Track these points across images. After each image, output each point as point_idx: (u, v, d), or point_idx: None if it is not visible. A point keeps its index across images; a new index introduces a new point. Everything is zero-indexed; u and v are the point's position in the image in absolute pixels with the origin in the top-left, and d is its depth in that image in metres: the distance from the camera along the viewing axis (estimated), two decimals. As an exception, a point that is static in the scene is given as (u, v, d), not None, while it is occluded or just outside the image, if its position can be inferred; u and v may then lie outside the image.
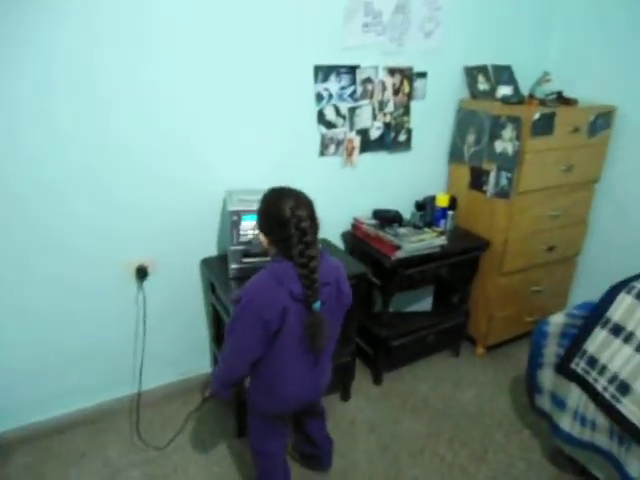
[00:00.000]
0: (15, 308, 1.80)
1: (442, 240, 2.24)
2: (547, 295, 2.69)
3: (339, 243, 2.46)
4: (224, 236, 2.06)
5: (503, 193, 2.33)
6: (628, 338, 1.55)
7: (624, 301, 1.61)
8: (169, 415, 2.15)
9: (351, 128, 2.24)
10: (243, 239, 1.84)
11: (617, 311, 1.61)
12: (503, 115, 2.25)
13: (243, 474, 1.86)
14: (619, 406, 1.52)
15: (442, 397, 2.35)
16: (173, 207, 1.95)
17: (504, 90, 2.42)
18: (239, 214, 1.80)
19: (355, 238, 2.40)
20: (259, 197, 1.89)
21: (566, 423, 1.73)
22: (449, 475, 1.91)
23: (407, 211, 2.57)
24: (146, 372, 2.12)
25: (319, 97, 2.10)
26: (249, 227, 1.83)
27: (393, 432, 2.11)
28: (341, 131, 2.22)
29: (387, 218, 2.36)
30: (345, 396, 2.28)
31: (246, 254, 1.86)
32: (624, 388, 1.51)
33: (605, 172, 2.58)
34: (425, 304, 2.56)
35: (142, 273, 1.94)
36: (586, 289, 2.77)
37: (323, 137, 2.18)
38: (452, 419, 2.22)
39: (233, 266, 1.87)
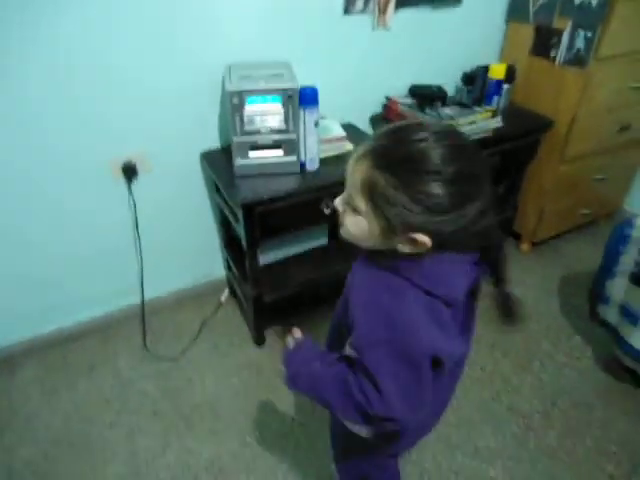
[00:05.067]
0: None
1: (497, 121, 1.82)
2: (609, 184, 2.30)
3: (367, 128, 2.05)
4: (227, 124, 1.68)
5: (578, 59, 1.83)
6: None
7: None
8: (182, 323, 1.98)
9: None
10: (249, 128, 1.46)
11: None
12: (590, -54, 1.67)
13: (262, 385, 1.72)
14: None
15: (480, 299, 2.11)
16: (162, 89, 1.55)
17: None
18: (241, 95, 1.40)
19: (387, 122, 1.99)
20: (267, 72, 1.51)
21: (638, 339, 1.48)
22: (490, 386, 1.73)
23: (451, 86, 2.10)
24: (155, 278, 1.92)
25: None
26: (255, 111, 1.44)
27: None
28: (372, -23, 1.69)
29: (427, 96, 1.91)
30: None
31: (254, 147, 1.50)
32: None
33: None
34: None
35: (130, 172, 1.61)
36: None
37: (349, -14, 1.67)
38: (492, 324, 1.99)
39: (238, 162, 1.52)
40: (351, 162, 0.70)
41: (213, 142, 1.75)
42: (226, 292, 2.07)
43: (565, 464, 1.48)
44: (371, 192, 0.67)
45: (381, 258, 0.73)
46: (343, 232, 0.76)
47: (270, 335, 1.91)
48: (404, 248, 0.69)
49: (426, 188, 0.63)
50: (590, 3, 1.72)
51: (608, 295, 1.57)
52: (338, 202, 0.75)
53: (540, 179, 2.14)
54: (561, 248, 2.40)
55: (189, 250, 1.96)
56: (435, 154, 0.62)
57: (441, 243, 0.67)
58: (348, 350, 0.83)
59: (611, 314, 1.58)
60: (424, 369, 0.71)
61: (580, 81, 1.85)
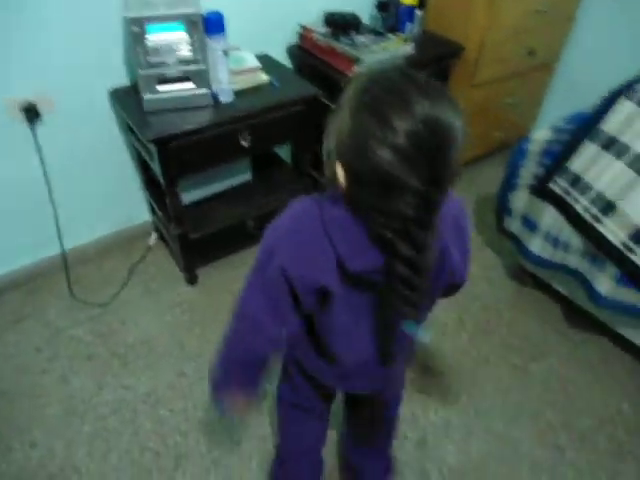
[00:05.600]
0: None
1: (409, 48, 1.85)
2: (520, 108, 2.43)
3: (285, 60, 2.02)
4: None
5: (483, -19, 1.87)
6: (621, 152, 1.34)
7: (623, 108, 1.36)
8: (110, 269, 1.96)
9: None
10: (154, 59, 1.41)
11: (613, 120, 1.37)
12: None
13: (196, 321, 1.77)
14: (599, 226, 1.39)
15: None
16: (56, 20, 1.45)
17: None
18: (141, 23, 1.34)
19: (304, 52, 1.97)
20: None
21: (536, 245, 1.63)
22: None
23: (367, 13, 2.10)
24: (76, 226, 1.87)
25: None
26: (159, 41, 1.39)
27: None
28: None
29: (342, 24, 1.90)
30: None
31: (162, 80, 1.45)
32: (608, 208, 1.36)
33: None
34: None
35: (32, 113, 1.52)
36: (561, 101, 2.53)
37: None
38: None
39: (147, 97, 1.47)
40: None
41: (121, 79, 1.67)
42: (154, 235, 2.05)
43: (475, 360, 1.66)
44: (340, 101, 0.63)
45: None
46: None
47: (202, 274, 1.93)
48: (331, 176, 0.66)
49: (372, 143, 0.57)
50: None
51: (511, 207, 1.71)
52: None
53: (454, 105, 2.22)
54: (476, 172, 2.53)
55: (109, 195, 1.90)
56: (407, 125, 0.55)
57: (353, 191, 0.64)
58: None
59: (514, 225, 1.73)
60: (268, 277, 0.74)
61: (487, 5, 1.90)
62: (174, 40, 1.41)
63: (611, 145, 1.37)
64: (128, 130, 1.72)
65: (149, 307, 1.82)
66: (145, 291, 1.88)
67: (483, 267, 2.00)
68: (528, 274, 1.86)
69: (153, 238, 2.04)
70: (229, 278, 1.93)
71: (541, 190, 1.54)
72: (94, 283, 1.90)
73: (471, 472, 1.40)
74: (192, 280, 1.89)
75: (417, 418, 1.51)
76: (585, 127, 1.42)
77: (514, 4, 1.95)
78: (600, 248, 1.40)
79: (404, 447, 1.44)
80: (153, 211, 2.00)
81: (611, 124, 1.37)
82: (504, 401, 1.56)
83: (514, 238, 1.75)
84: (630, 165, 1.32)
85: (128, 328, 1.74)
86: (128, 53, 1.62)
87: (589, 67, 2.35)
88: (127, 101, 1.59)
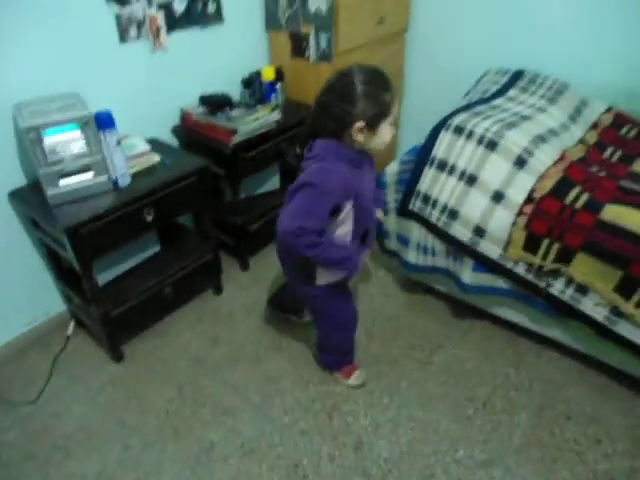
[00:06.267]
0: None
1: (277, 115, 2.18)
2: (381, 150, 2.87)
3: (172, 140, 2.25)
4: (29, 159, 1.72)
5: (325, 56, 2.29)
6: (451, 171, 1.75)
7: (444, 138, 1.77)
8: (32, 366, 1.95)
9: (150, 2, 1.92)
10: (52, 158, 1.56)
11: (440, 148, 1.78)
12: (310, -32, 2.12)
13: (130, 395, 1.83)
14: (450, 230, 1.76)
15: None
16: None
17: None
18: (38, 130, 1.50)
19: (188, 131, 2.22)
20: (58, 104, 1.62)
21: (412, 256, 1.97)
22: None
23: (236, 90, 2.42)
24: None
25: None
26: (56, 142, 1.55)
27: (267, 311, 2.20)
28: (138, 8, 1.89)
29: (216, 103, 2.19)
30: (218, 290, 2.29)
31: (62, 175, 1.60)
32: (453, 214, 1.74)
33: (412, 20, 2.69)
34: (273, 183, 2.57)
35: None
36: (411, 140, 3.03)
37: (119, 18, 1.85)
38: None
39: (51, 192, 1.60)
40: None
41: (18, 180, 1.77)
42: (72, 324, 2.09)
43: (386, 364, 1.92)
44: None
45: None
46: None
47: (127, 349, 2.00)
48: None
49: None
50: (321, 11, 2.18)
51: (386, 229, 2.05)
52: None
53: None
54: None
55: (22, 292, 1.94)
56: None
57: None
58: None
59: (392, 243, 2.07)
60: None
61: (331, 73, 2.28)
62: (69, 139, 1.58)
63: (443, 166, 1.77)
64: (32, 226, 1.81)
65: (79, 394, 1.85)
66: (71, 379, 1.90)
67: (379, 285, 2.32)
68: (414, 282, 2.20)
69: (71, 326, 2.08)
70: (154, 347, 2.02)
71: (403, 211, 1.90)
72: (18, 382, 1.89)
73: (404, 458, 1.62)
74: (118, 358, 1.96)
75: (350, 425, 1.72)
76: (422, 157, 1.82)
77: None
78: (455, 247, 1.77)
79: (343, 454, 1.63)
80: (68, 299, 2.05)
81: (440, 151, 1.78)
82: (419, 392, 1.82)
83: (395, 255, 2.09)
84: (459, 178, 1.73)
85: (63, 419, 1.75)
86: (22, 155, 1.75)
87: (425, 108, 2.82)
88: (30, 199, 1.70)
